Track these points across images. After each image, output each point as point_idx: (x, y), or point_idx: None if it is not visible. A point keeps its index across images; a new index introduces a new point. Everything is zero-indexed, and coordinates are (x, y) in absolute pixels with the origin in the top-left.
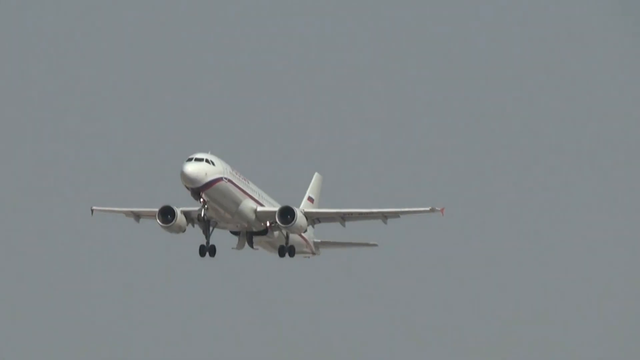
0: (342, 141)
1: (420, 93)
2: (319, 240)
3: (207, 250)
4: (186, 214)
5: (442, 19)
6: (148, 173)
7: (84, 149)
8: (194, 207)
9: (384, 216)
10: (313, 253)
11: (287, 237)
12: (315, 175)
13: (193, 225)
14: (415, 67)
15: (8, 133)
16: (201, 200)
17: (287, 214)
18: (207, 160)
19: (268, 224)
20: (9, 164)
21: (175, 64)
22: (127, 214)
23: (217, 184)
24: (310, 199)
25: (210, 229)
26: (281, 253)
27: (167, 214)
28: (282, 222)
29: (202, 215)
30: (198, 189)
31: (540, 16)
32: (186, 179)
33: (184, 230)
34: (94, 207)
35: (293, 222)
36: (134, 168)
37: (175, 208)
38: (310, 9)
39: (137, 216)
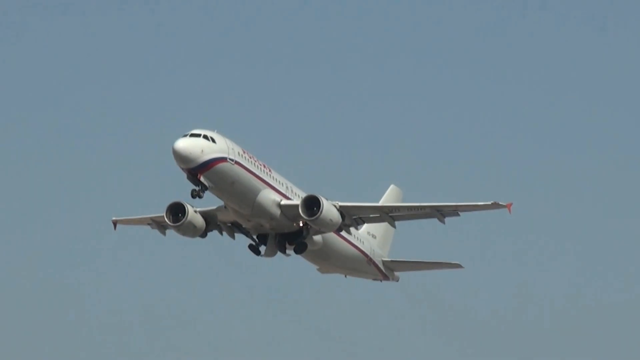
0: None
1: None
2: (389, 259)
3: (258, 244)
4: (207, 216)
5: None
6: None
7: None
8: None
9: (440, 214)
10: (385, 276)
11: (307, 232)
12: (391, 188)
13: (221, 233)
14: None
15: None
16: (200, 185)
17: (312, 204)
18: (205, 137)
19: (301, 223)
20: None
21: (222, 67)
22: (151, 225)
23: (219, 164)
24: None
25: (243, 229)
26: (290, 239)
27: (178, 212)
28: (306, 215)
29: (198, 192)
30: (195, 171)
31: None
32: (178, 156)
33: (201, 234)
34: (115, 219)
35: (319, 213)
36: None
37: (186, 204)
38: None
39: (163, 227)
